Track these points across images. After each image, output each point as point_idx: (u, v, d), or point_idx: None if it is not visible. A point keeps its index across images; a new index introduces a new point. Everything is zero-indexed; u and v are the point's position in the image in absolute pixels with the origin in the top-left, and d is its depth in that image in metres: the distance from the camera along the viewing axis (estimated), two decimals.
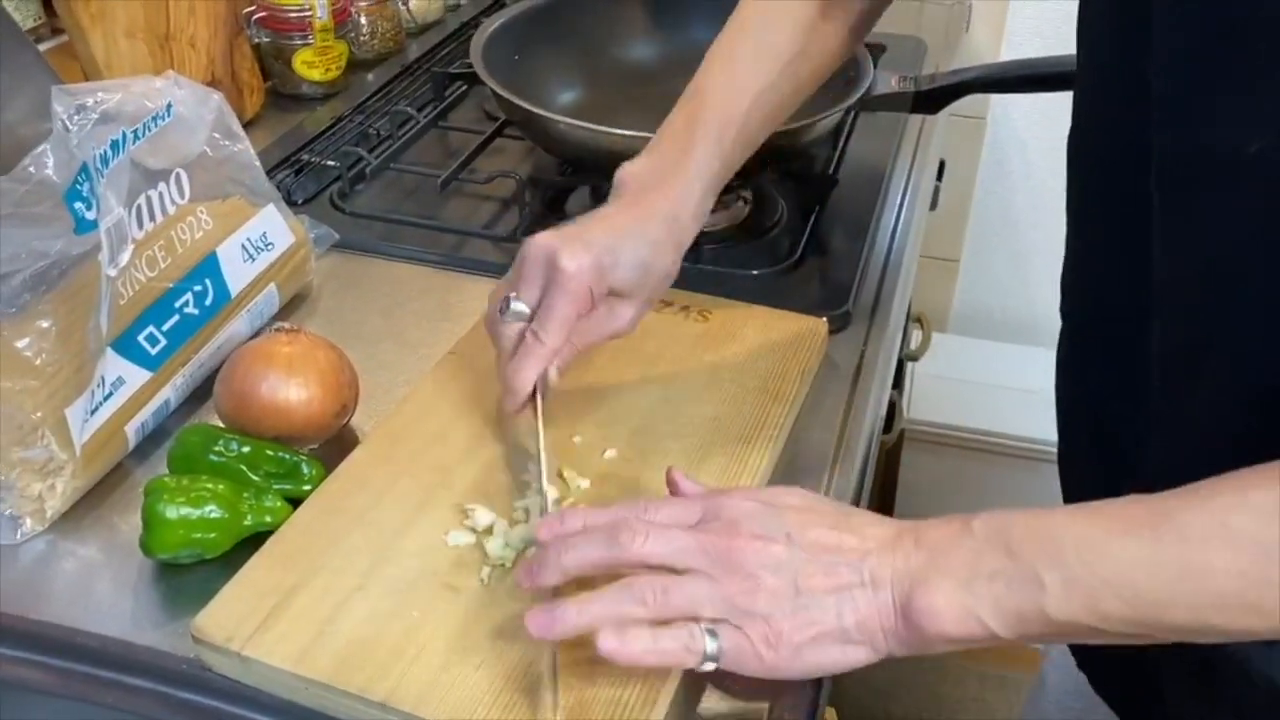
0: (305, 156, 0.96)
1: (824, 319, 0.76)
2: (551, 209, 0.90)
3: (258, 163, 0.78)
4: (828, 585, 0.47)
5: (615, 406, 0.68)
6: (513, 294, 0.62)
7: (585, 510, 0.52)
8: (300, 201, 0.91)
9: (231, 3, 1.03)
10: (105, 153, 0.63)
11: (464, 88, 1.07)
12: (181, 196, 0.71)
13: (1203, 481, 0.43)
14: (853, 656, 0.47)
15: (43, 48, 0.93)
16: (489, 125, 1.01)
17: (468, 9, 1.31)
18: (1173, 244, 0.51)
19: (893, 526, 0.49)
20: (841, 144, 0.99)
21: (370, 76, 1.14)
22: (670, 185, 0.65)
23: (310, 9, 1.04)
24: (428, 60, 1.17)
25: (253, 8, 1.07)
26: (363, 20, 1.14)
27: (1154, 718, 0.61)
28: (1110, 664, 0.66)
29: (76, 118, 0.63)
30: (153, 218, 0.69)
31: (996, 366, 1.51)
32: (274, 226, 0.78)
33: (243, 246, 0.75)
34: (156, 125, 0.69)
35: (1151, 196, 0.50)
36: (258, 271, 0.76)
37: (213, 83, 1.00)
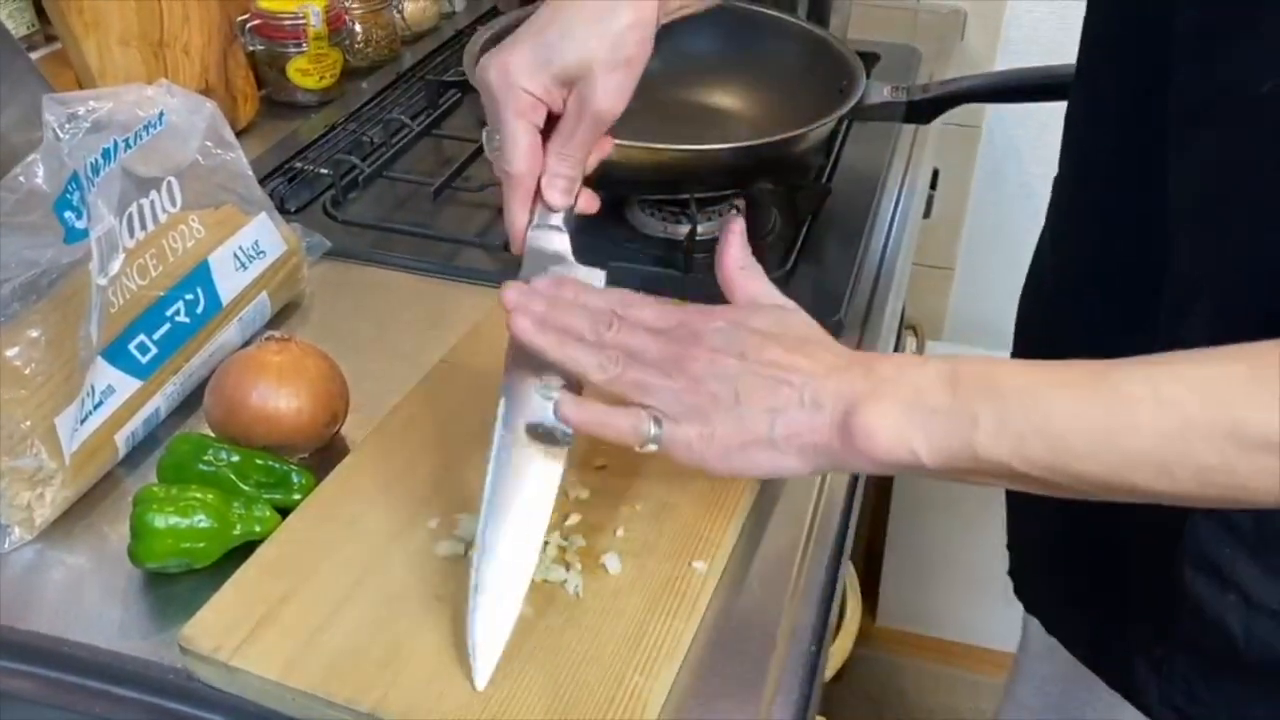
0: (298, 164, 0.96)
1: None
2: None
3: (250, 171, 0.78)
4: (766, 401, 0.49)
5: None
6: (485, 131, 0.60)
7: (579, 286, 0.55)
8: (293, 210, 0.91)
9: (226, 10, 1.03)
10: (96, 161, 0.63)
11: (458, 96, 1.07)
12: (173, 205, 0.71)
13: (1149, 355, 0.46)
14: (781, 464, 0.50)
15: (36, 55, 0.93)
16: (482, 133, 1.01)
17: (462, 16, 1.32)
18: (1185, 177, 0.53)
19: (846, 356, 0.51)
20: (835, 152, 0.99)
21: (364, 84, 1.15)
22: None
23: (305, 17, 1.05)
24: (422, 68, 1.17)
25: (247, 15, 1.07)
26: (357, 28, 1.14)
27: (1128, 667, 0.64)
28: (1079, 624, 0.70)
29: (68, 126, 0.63)
30: (144, 226, 0.69)
31: None
32: (266, 235, 0.78)
33: (235, 255, 0.75)
34: (148, 134, 0.69)
35: (1166, 132, 0.53)
36: (249, 280, 0.76)
37: (206, 90, 1.00)
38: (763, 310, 0.55)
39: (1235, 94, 0.50)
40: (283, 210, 0.91)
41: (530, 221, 0.60)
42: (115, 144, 0.66)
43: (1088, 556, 0.68)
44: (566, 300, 0.54)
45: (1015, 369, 0.47)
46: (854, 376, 0.49)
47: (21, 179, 0.58)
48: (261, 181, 0.94)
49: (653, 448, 0.51)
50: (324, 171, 0.95)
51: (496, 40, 0.93)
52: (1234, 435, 0.43)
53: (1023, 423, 0.45)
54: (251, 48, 1.07)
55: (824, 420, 0.48)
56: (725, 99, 0.98)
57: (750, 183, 0.87)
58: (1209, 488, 0.44)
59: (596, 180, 0.89)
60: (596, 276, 0.59)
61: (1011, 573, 0.78)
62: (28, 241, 0.59)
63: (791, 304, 0.56)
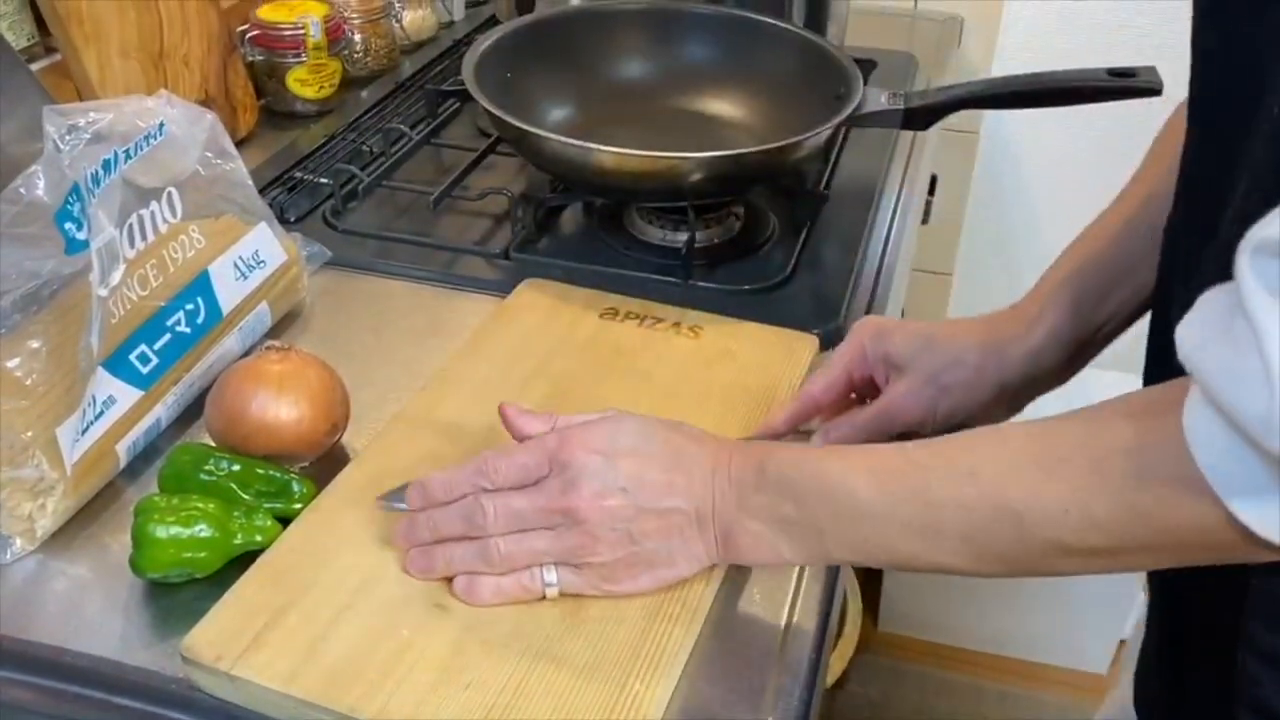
0: (298, 174, 0.97)
1: (815, 334, 0.77)
2: (543, 226, 0.90)
3: (250, 181, 0.78)
4: (661, 531, 0.54)
5: None
6: None
7: (442, 478, 0.57)
8: (293, 219, 0.92)
9: (225, 21, 1.03)
10: (97, 172, 0.64)
11: (457, 105, 1.08)
12: (174, 215, 0.72)
13: (964, 435, 0.51)
14: (677, 576, 0.56)
15: (36, 67, 0.93)
16: (482, 142, 1.01)
17: (461, 26, 1.32)
18: None
19: (709, 459, 0.55)
20: (833, 159, 1.00)
21: (364, 93, 1.15)
22: (1014, 315, 0.66)
23: (304, 28, 1.05)
24: (421, 77, 1.18)
25: (246, 26, 1.07)
26: (357, 38, 1.14)
27: None
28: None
29: (68, 137, 0.64)
30: (144, 236, 0.69)
31: None
32: (266, 244, 0.78)
33: (235, 265, 0.75)
34: (149, 145, 0.69)
35: None
36: (250, 289, 0.76)
37: (206, 101, 1.00)
38: (618, 427, 0.56)
39: None
40: (283, 220, 0.91)
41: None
42: (116, 155, 0.66)
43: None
44: (436, 506, 0.57)
45: (840, 476, 0.51)
46: (722, 488, 0.54)
47: (22, 190, 0.58)
48: (261, 191, 0.94)
49: (553, 593, 0.55)
50: (324, 181, 0.95)
51: (495, 50, 0.94)
52: (1018, 526, 0.47)
53: (856, 535, 0.51)
54: (251, 58, 1.07)
55: (709, 541, 0.55)
56: (723, 106, 0.99)
57: (748, 190, 0.87)
58: (1017, 567, 0.49)
59: (595, 189, 0.90)
60: None
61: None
62: (28, 253, 0.59)
63: (610, 411, 0.58)
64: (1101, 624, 1.56)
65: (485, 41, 0.93)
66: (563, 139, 0.81)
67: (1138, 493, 0.43)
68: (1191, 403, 0.41)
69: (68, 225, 0.60)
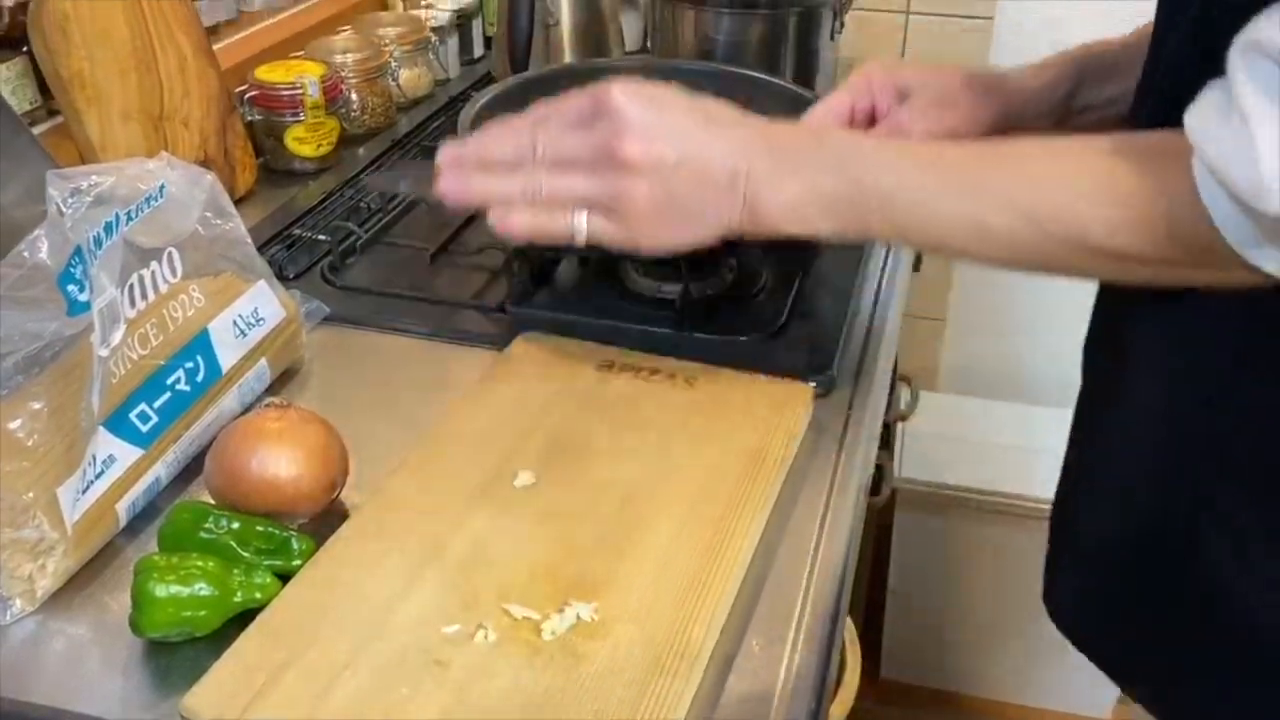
0: (296, 231, 0.98)
1: (809, 385, 0.77)
2: (539, 279, 0.91)
3: (249, 239, 0.79)
4: (696, 184, 0.56)
5: (602, 476, 0.68)
6: None
7: (500, 125, 0.60)
8: (292, 276, 0.93)
9: (224, 82, 1.05)
10: (99, 234, 0.65)
11: None
12: (174, 274, 0.73)
13: (1014, 140, 0.55)
14: (703, 236, 0.59)
15: (39, 129, 0.95)
16: None
17: (456, 83, 1.34)
18: None
19: (750, 130, 0.58)
20: None
21: (361, 150, 1.17)
22: (1023, 68, 0.73)
23: (302, 88, 1.07)
24: (418, 134, 1.20)
25: (245, 86, 1.09)
26: (354, 96, 1.16)
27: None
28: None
29: (71, 200, 0.65)
30: (145, 296, 0.70)
31: (986, 424, 1.52)
32: (265, 302, 0.79)
33: (234, 323, 0.76)
34: (150, 206, 0.70)
35: None
36: (249, 347, 0.77)
37: (205, 161, 1.02)
38: (668, 89, 0.60)
39: None
40: (281, 277, 0.92)
41: None
42: (117, 217, 0.67)
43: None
44: (491, 138, 0.60)
45: (903, 169, 0.55)
46: (760, 153, 0.57)
47: (26, 254, 0.59)
48: (260, 249, 0.95)
49: (581, 240, 0.58)
50: (322, 238, 0.96)
51: (491, 107, 0.95)
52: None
53: (905, 218, 0.55)
54: (249, 118, 1.09)
55: (736, 203, 0.57)
56: None
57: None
58: (1043, 255, 0.53)
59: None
60: None
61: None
62: (31, 315, 0.60)
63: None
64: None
65: (480, 100, 0.95)
66: None
67: (1152, 203, 0.49)
68: (1198, 167, 0.47)
69: (70, 287, 0.61)
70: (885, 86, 0.73)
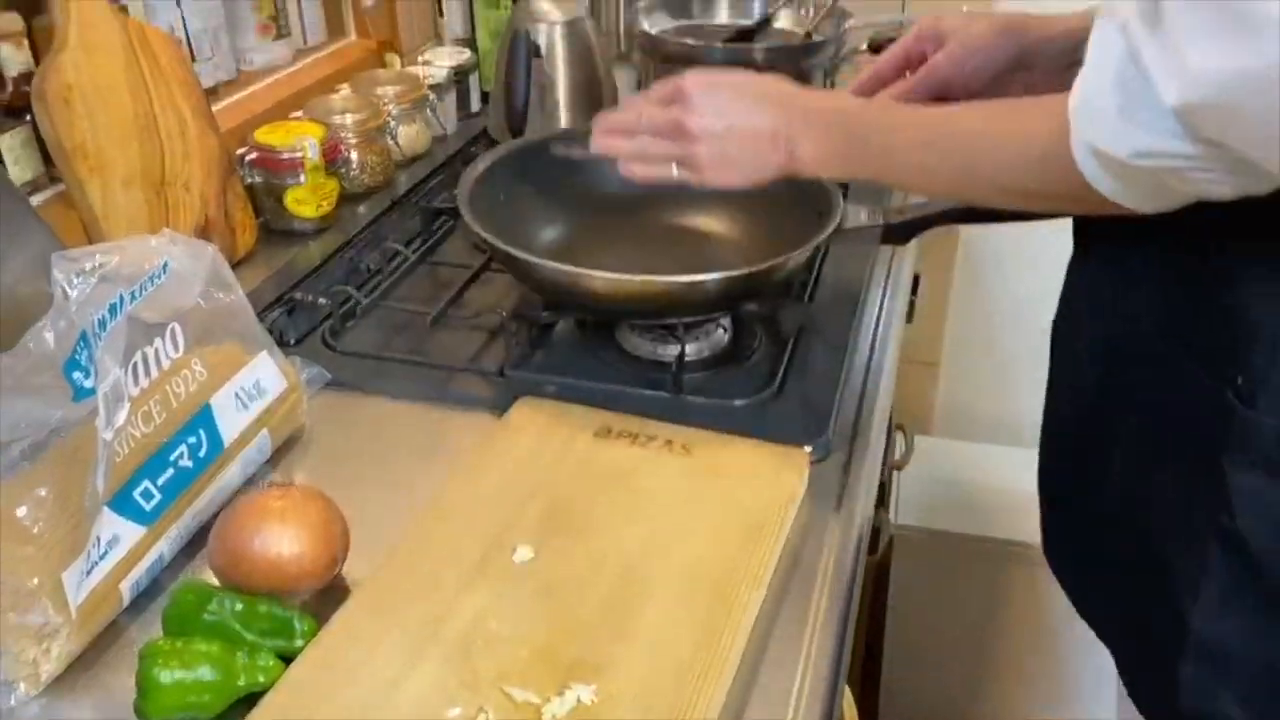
0: (297, 295, 0.99)
1: (806, 450, 0.78)
2: (537, 341, 0.92)
3: (250, 310, 0.80)
4: (747, 142, 0.78)
5: (601, 548, 0.69)
6: None
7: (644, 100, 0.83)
8: (292, 341, 0.94)
9: (225, 145, 1.06)
10: (103, 317, 0.66)
11: (450, 223, 1.11)
12: (176, 350, 0.73)
13: (962, 105, 0.72)
14: (758, 178, 0.79)
15: (41, 198, 0.96)
16: (476, 258, 1.04)
17: (454, 139, 1.36)
18: None
19: (790, 100, 0.79)
20: (815, 269, 1.02)
21: (361, 209, 1.18)
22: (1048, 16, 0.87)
23: (302, 150, 1.08)
24: (416, 192, 1.21)
25: (245, 148, 1.10)
26: (353, 156, 1.18)
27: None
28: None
29: (76, 281, 0.66)
30: (148, 373, 0.71)
31: (981, 468, 1.52)
32: (267, 373, 0.80)
33: (236, 395, 0.77)
34: (153, 284, 0.71)
35: None
36: (251, 419, 0.78)
37: (206, 224, 1.03)
38: (726, 73, 0.82)
39: None
40: (282, 342, 0.93)
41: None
42: (121, 298, 0.68)
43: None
44: (619, 113, 0.85)
45: (896, 133, 0.73)
46: (793, 121, 0.77)
47: (31, 345, 0.60)
48: (261, 313, 0.96)
49: (675, 173, 0.81)
50: (323, 301, 0.97)
51: (489, 174, 0.97)
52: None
53: (896, 169, 0.75)
54: (249, 180, 1.10)
55: (780, 156, 0.77)
56: (708, 222, 1.02)
57: (736, 307, 0.89)
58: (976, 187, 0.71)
59: (587, 309, 0.92)
60: None
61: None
62: (37, 402, 0.61)
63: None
64: (1096, 710, 1.55)
65: (478, 166, 0.96)
66: (555, 265, 0.84)
67: (1050, 162, 0.62)
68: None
69: (76, 374, 0.62)
70: (930, 36, 0.90)
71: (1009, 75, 0.87)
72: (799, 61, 1.08)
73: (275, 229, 1.13)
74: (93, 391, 0.63)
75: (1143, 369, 0.70)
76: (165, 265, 0.73)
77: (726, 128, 0.78)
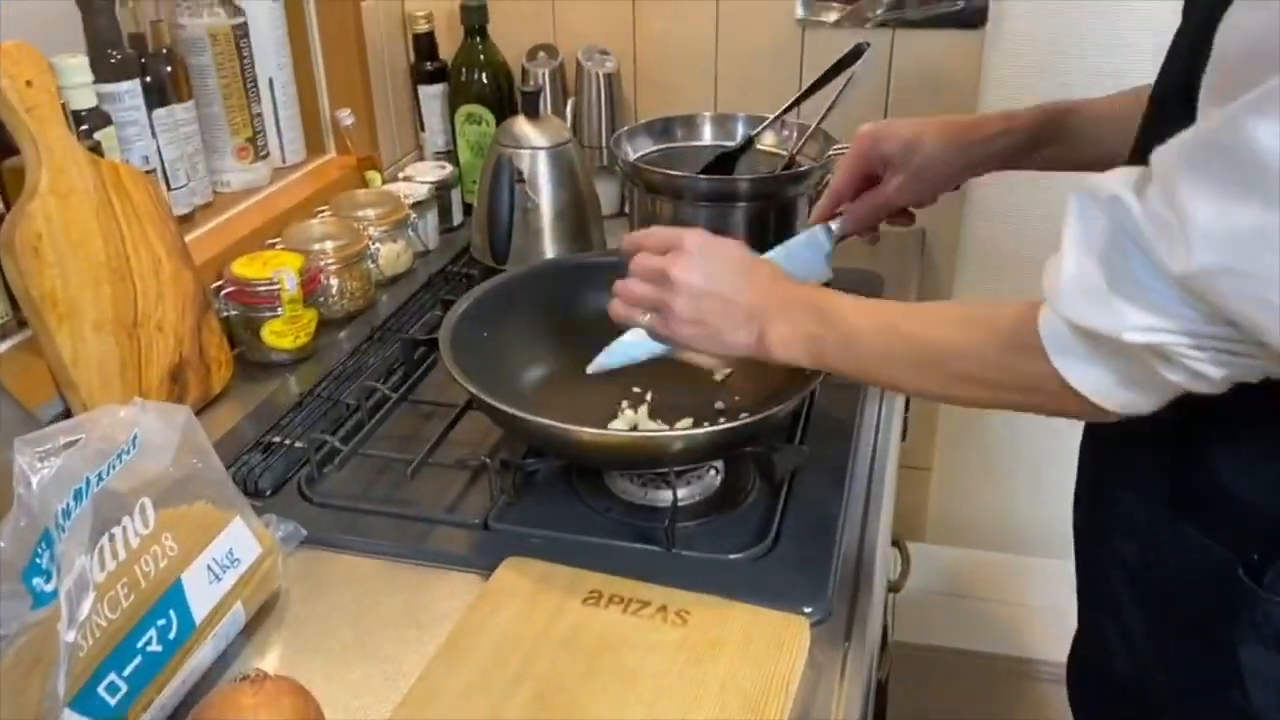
0: (274, 439, 0.96)
1: (806, 614, 0.75)
2: (522, 488, 0.89)
3: (224, 472, 0.78)
4: (719, 311, 0.77)
5: None
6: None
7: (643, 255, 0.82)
8: (269, 492, 0.90)
9: (200, 280, 1.04)
10: (68, 505, 0.63)
11: (434, 355, 1.08)
12: (146, 526, 0.70)
13: (922, 307, 0.73)
14: (723, 352, 0.79)
15: (10, 343, 0.93)
16: (459, 393, 1.00)
17: (436, 256, 1.34)
18: None
19: (773, 286, 0.78)
20: (806, 409, 0.99)
21: (342, 335, 1.15)
22: (988, 119, 0.92)
23: (279, 282, 1.06)
24: (399, 316, 1.18)
25: (221, 282, 1.08)
26: (333, 283, 1.15)
27: None
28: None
29: (39, 466, 0.63)
30: (116, 556, 0.67)
31: (979, 578, 1.50)
32: (240, 540, 0.77)
33: (208, 568, 0.74)
34: (121, 461, 0.68)
35: None
36: (224, 590, 0.74)
37: (180, 363, 1.00)
38: (724, 241, 0.80)
39: None
40: (257, 492, 0.90)
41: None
42: (88, 480, 0.65)
43: None
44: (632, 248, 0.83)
45: (856, 322, 0.73)
46: (769, 305, 0.76)
47: None
48: (237, 458, 0.93)
49: (645, 321, 0.80)
50: (300, 445, 0.94)
51: (471, 312, 0.95)
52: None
53: (858, 361, 0.73)
54: (226, 313, 1.08)
55: (749, 338, 0.76)
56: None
57: (727, 454, 0.87)
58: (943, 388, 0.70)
59: (576, 460, 0.90)
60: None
61: None
62: None
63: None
64: None
65: (460, 307, 0.94)
66: (540, 420, 0.81)
67: (1013, 349, 0.62)
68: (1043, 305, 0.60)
69: (35, 580, 0.58)
70: (875, 159, 0.94)
71: (962, 176, 0.94)
72: (783, 191, 1.07)
73: (252, 360, 1.10)
74: (54, 595, 0.59)
75: (1156, 541, 0.68)
76: (135, 438, 0.70)
77: (707, 288, 0.77)
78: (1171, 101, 0.61)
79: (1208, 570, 0.64)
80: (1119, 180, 0.56)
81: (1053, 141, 0.89)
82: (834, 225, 0.96)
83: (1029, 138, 0.90)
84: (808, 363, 0.76)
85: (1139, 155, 0.65)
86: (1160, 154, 0.53)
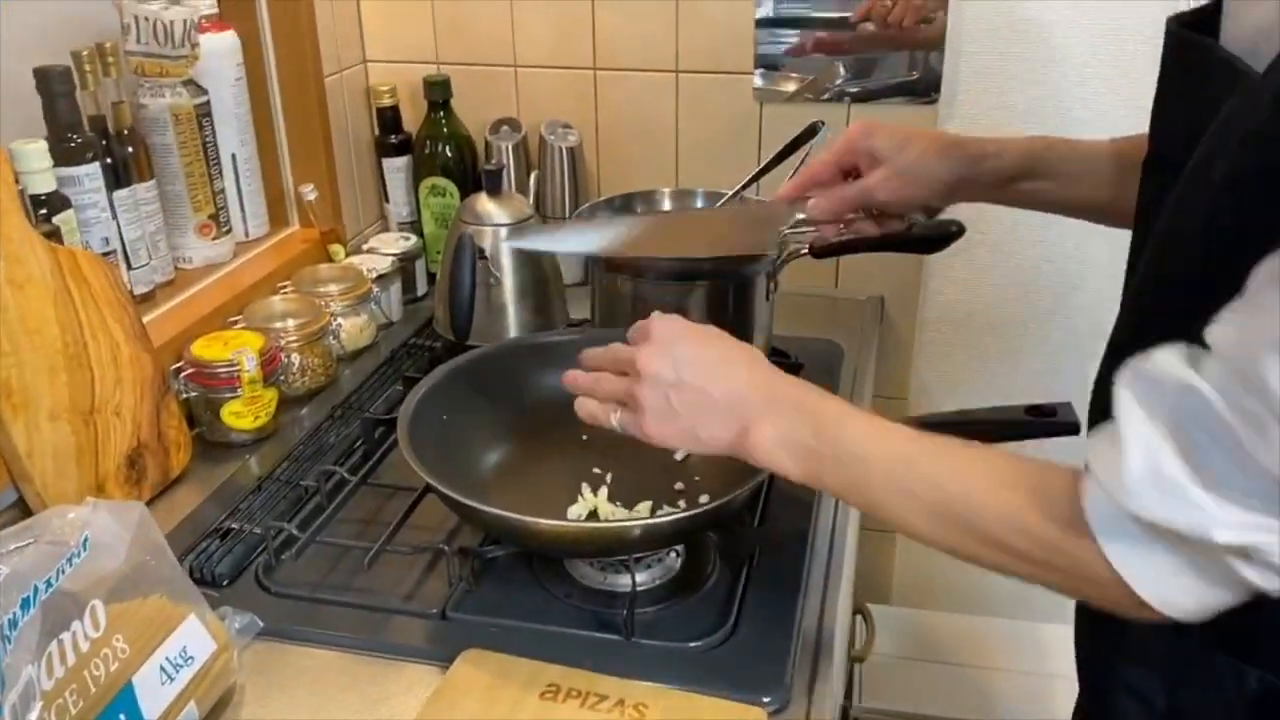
0: (232, 525, 0.95)
1: (763, 708, 0.75)
2: (479, 577, 0.89)
3: (179, 567, 0.77)
4: (693, 403, 0.71)
5: None
6: None
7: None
8: (225, 581, 0.89)
9: (159, 363, 1.04)
10: (14, 615, 0.62)
11: (394, 435, 1.08)
12: (97, 630, 0.70)
13: (952, 442, 0.64)
14: (697, 447, 0.73)
15: None
16: (419, 476, 1.01)
17: (399, 328, 1.34)
18: None
19: (758, 375, 0.72)
20: (764, 491, 0.99)
21: (303, 412, 1.15)
22: (983, 142, 0.90)
23: (239, 363, 1.06)
24: (358, 396, 1.18)
25: (180, 364, 1.07)
26: (294, 360, 1.15)
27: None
28: None
29: None
30: (64, 661, 0.67)
31: (944, 642, 1.50)
32: (195, 638, 0.76)
33: (161, 668, 0.73)
34: (72, 565, 0.68)
35: None
36: (177, 692, 0.74)
37: (138, 447, 1.00)
38: (694, 327, 0.76)
39: None
40: (214, 581, 0.89)
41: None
42: (36, 589, 0.64)
43: None
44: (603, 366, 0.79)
45: (860, 439, 0.66)
46: (751, 398, 0.70)
47: None
48: (195, 545, 0.93)
49: (615, 422, 0.76)
50: (257, 531, 0.94)
51: (430, 395, 0.95)
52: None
53: (851, 482, 0.67)
54: (185, 394, 1.07)
55: (728, 434, 0.70)
56: None
57: (687, 540, 0.87)
58: (959, 544, 0.63)
59: (534, 549, 0.89)
60: None
61: None
62: None
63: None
64: None
65: (419, 391, 0.94)
66: (496, 512, 0.81)
67: (1059, 523, 0.57)
68: (1088, 480, 0.56)
69: None
70: (863, 151, 0.90)
71: (946, 193, 0.91)
72: (741, 268, 1.08)
73: (212, 441, 1.09)
74: None
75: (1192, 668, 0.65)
76: (85, 540, 0.70)
77: (677, 379, 0.71)
78: (1175, 164, 0.59)
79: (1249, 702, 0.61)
80: (1177, 362, 0.52)
81: (1036, 174, 0.88)
82: (798, 208, 0.93)
83: (1015, 166, 0.88)
84: (798, 477, 0.68)
85: (1143, 218, 0.66)
86: (1224, 336, 0.50)
